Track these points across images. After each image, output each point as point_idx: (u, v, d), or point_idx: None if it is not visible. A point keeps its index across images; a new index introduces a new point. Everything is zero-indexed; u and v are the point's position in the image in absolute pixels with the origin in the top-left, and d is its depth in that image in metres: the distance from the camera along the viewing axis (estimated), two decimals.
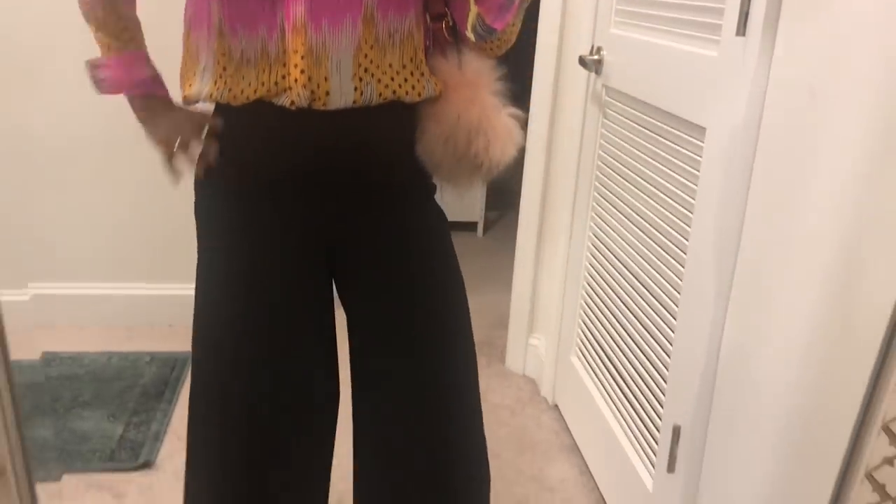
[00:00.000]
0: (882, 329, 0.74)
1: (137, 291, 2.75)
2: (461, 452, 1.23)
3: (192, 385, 1.26)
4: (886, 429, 0.68)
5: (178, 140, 1.19)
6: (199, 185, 1.21)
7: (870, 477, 0.70)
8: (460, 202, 3.69)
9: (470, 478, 1.26)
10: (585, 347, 2.13)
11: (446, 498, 1.24)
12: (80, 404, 2.25)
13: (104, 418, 2.19)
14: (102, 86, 1.19)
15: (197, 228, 1.22)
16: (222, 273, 1.18)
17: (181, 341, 2.61)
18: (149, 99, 1.22)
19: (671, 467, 1.53)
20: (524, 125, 1.15)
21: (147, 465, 2.02)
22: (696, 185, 1.46)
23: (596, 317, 2.03)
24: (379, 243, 1.18)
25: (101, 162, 2.60)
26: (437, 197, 1.27)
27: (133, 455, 2.04)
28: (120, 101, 1.25)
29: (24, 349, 2.49)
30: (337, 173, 1.12)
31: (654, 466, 1.66)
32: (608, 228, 1.94)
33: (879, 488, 0.70)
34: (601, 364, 2.00)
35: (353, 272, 1.21)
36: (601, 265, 1.99)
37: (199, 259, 1.22)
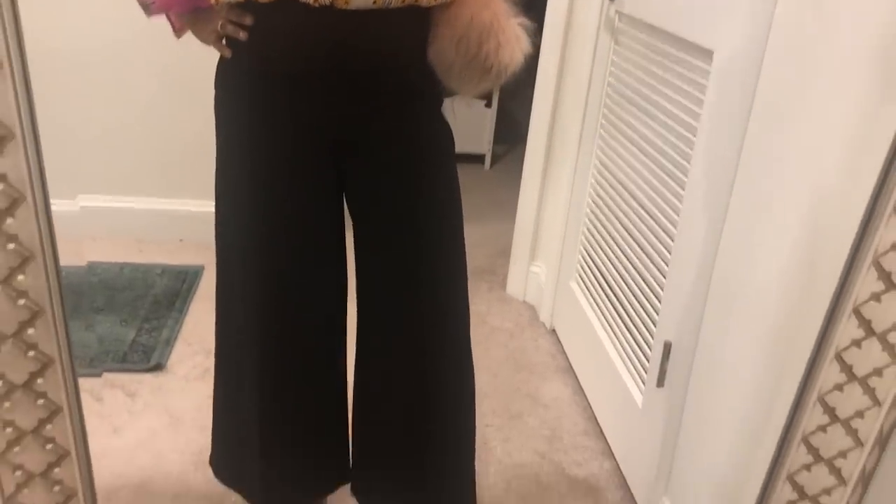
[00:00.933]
0: (851, 237, 0.78)
1: (149, 206, 2.81)
2: (443, 341, 1.34)
3: (217, 269, 1.35)
4: (856, 311, 0.73)
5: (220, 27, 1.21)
6: (220, 81, 1.25)
7: (839, 357, 0.75)
8: (470, 134, 3.71)
9: (455, 368, 1.37)
10: (585, 273, 2.18)
11: (432, 383, 1.35)
12: (94, 310, 2.33)
13: (116, 323, 2.27)
14: (151, 9, 1.23)
15: (216, 124, 1.27)
16: (239, 163, 1.25)
17: (192, 255, 2.68)
18: (195, 12, 1.26)
19: (660, 382, 1.60)
20: (532, 35, 1.18)
21: (158, 367, 2.10)
22: (701, 110, 1.50)
23: (597, 242, 2.08)
24: (386, 145, 1.23)
25: (114, 76, 2.62)
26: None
27: (145, 358, 2.12)
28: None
29: None
30: (352, 73, 1.16)
31: (644, 383, 1.73)
32: (614, 155, 1.98)
33: (847, 369, 0.76)
34: (598, 288, 2.06)
35: (359, 171, 1.26)
36: (605, 192, 2.03)
37: (217, 153, 1.28)
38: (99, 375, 2.05)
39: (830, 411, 0.78)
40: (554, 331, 2.44)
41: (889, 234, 0.70)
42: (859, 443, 0.79)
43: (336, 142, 1.23)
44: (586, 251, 2.17)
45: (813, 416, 0.78)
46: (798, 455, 0.81)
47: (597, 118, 2.10)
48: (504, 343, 2.39)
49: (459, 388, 1.40)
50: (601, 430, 1.99)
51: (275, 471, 1.46)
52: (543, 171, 2.43)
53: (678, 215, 1.58)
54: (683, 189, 1.56)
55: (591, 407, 2.08)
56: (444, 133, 1.29)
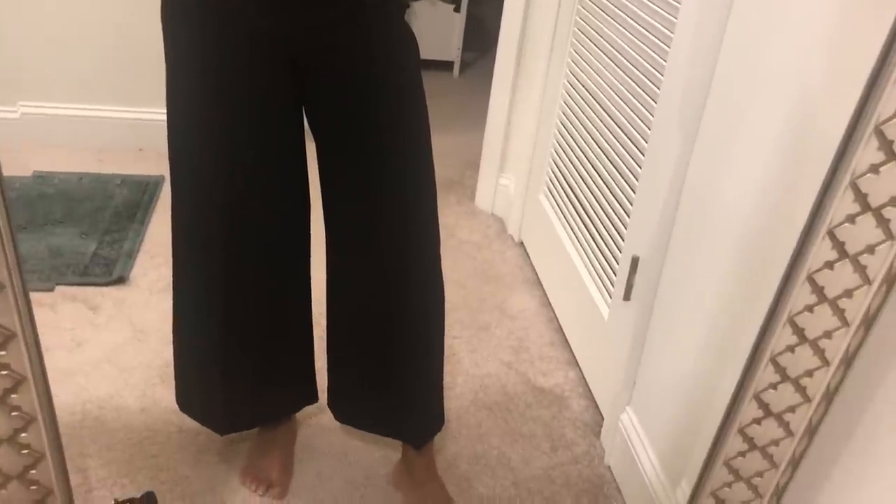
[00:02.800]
0: (830, 157, 0.76)
1: (108, 114, 2.71)
2: (413, 240, 1.32)
3: (172, 188, 1.30)
4: (830, 234, 0.72)
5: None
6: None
7: (810, 279, 0.75)
8: (438, 40, 3.61)
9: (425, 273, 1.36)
10: (554, 186, 2.16)
11: (401, 295, 1.34)
12: (52, 222, 2.27)
13: (76, 236, 2.22)
14: None
15: (164, 32, 1.21)
16: (187, 73, 1.19)
17: (152, 165, 2.61)
18: None
19: (627, 295, 1.61)
20: None
21: (121, 280, 2.06)
22: (676, 18, 1.45)
23: (566, 155, 2.06)
24: (344, 53, 1.18)
25: None
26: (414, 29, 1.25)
27: (107, 271, 2.08)
28: None
29: None
30: None
31: (610, 296, 1.74)
32: (586, 66, 1.93)
33: (818, 290, 0.76)
34: (567, 202, 2.04)
35: (318, 83, 1.21)
36: (575, 103, 1.99)
37: (167, 62, 1.22)
38: (51, 290, 2.00)
39: (799, 332, 0.78)
40: (522, 243, 2.44)
41: (867, 156, 0.68)
42: (826, 362, 0.79)
43: (291, 51, 1.17)
44: (556, 164, 2.15)
45: (782, 336, 0.78)
46: (766, 374, 0.81)
47: (569, 27, 2.04)
48: (472, 255, 2.38)
49: (428, 300, 1.39)
50: (567, 342, 2.01)
51: (238, 392, 1.46)
52: (513, 80, 2.37)
53: (650, 129, 1.56)
54: (656, 102, 1.53)
55: (557, 319, 2.09)
56: (405, 40, 1.23)
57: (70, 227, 2.26)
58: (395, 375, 1.43)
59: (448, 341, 1.96)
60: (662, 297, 1.48)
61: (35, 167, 2.53)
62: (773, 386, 0.81)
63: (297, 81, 1.21)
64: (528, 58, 2.32)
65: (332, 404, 1.53)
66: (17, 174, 2.47)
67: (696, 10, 1.36)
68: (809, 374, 0.79)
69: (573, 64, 2.02)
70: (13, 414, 0.81)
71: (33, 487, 0.87)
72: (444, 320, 1.45)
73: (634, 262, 1.57)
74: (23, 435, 0.83)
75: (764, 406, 0.84)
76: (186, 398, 1.52)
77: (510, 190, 2.52)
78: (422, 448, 1.52)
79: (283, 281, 1.39)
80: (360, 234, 1.31)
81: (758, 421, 0.85)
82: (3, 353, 0.77)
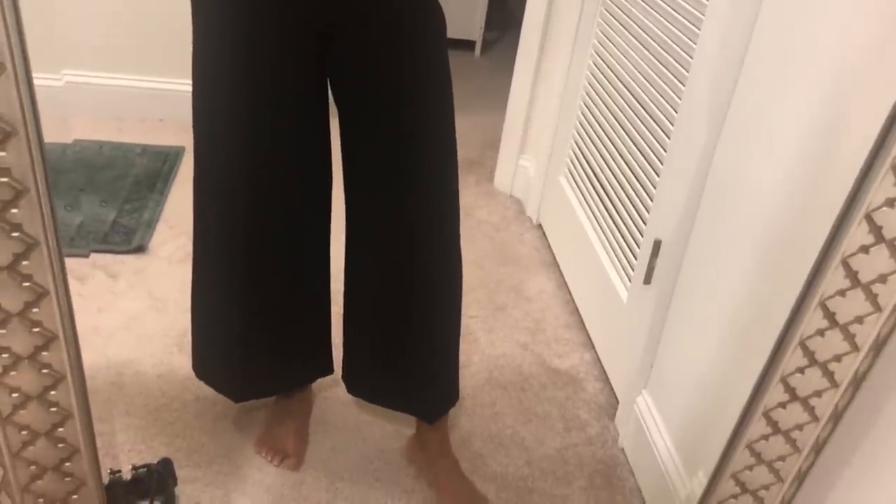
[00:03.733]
0: (868, 142, 0.76)
1: (129, 83, 2.71)
2: (432, 231, 1.33)
3: (195, 159, 1.30)
4: (868, 217, 0.72)
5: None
6: None
7: (844, 263, 0.74)
8: (459, 19, 3.59)
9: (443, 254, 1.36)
10: (575, 168, 2.15)
11: (420, 273, 1.35)
12: (73, 189, 2.28)
13: (96, 203, 2.23)
14: None
15: (192, 6, 1.21)
16: (214, 45, 1.19)
17: (172, 135, 2.62)
18: None
19: (647, 279, 1.60)
20: None
21: (140, 249, 2.07)
22: (707, 1, 1.44)
23: (589, 137, 2.05)
24: (371, 26, 1.17)
25: None
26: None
27: (126, 239, 2.09)
28: None
29: None
30: None
31: (629, 279, 1.74)
32: (612, 46, 1.92)
33: (852, 275, 0.75)
34: (588, 183, 2.04)
35: (344, 55, 1.20)
36: (600, 85, 1.98)
37: (194, 34, 1.22)
38: (87, 256, 2.03)
39: (830, 316, 0.77)
40: (540, 225, 2.43)
41: None
42: (855, 347, 0.79)
43: (320, 23, 1.17)
44: (577, 146, 2.14)
45: (812, 320, 0.78)
46: (793, 358, 0.81)
47: (596, 7, 2.03)
48: (490, 236, 2.38)
49: (448, 275, 1.39)
50: (583, 324, 2.01)
51: (254, 361, 1.47)
52: (537, 60, 2.36)
53: (676, 112, 1.55)
54: (684, 85, 1.52)
55: (574, 301, 2.09)
56: (433, 14, 1.23)
57: (91, 194, 2.26)
58: (411, 350, 1.43)
59: (465, 321, 1.96)
60: (684, 281, 1.48)
61: (55, 136, 2.54)
62: (801, 370, 0.81)
63: (323, 54, 1.20)
64: (552, 38, 2.31)
65: (347, 378, 1.53)
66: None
67: None
68: (838, 358, 0.79)
69: (598, 45, 2.00)
70: (43, 371, 0.82)
71: (60, 445, 0.88)
72: (461, 297, 1.45)
73: (657, 245, 1.56)
74: (52, 393, 0.84)
75: (790, 390, 0.83)
76: (203, 366, 1.52)
77: (530, 171, 2.51)
78: (435, 423, 1.52)
79: (303, 254, 1.40)
80: (382, 208, 1.31)
81: (783, 405, 0.85)
82: (35, 310, 0.78)
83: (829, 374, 0.81)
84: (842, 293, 0.76)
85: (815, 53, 1.08)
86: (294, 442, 1.56)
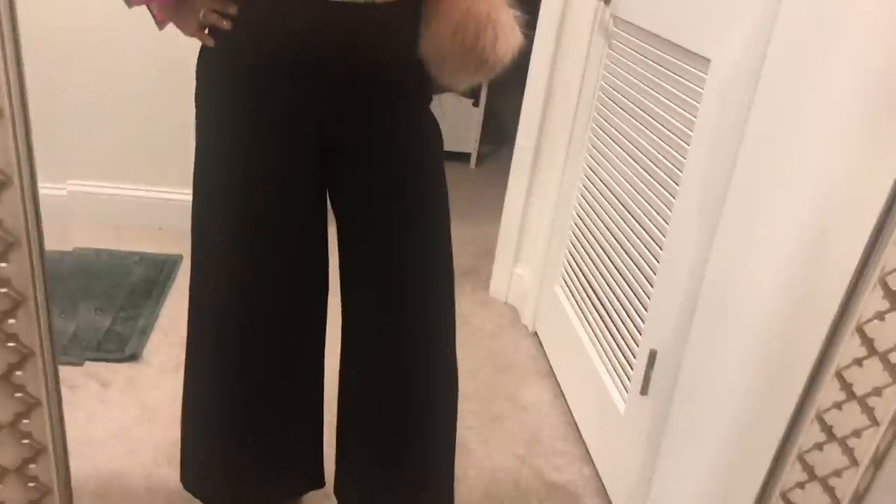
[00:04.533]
0: (858, 252, 0.77)
1: (129, 192, 2.76)
2: (429, 338, 1.34)
3: (192, 266, 1.31)
4: (859, 329, 0.72)
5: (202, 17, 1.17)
6: (202, 73, 1.22)
7: (839, 375, 0.74)
8: (456, 132, 3.69)
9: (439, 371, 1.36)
10: (569, 277, 2.17)
11: (414, 388, 1.35)
12: (69, 296, 2.28)
13: (92, 311, 2.23)
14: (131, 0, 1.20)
15: (196, 116, 1.25)
16: (217, 155, 1.23)
17: (170, 244, 2.64)
18: (178, 2, 1.22)
19: (644, 390, 1.59)
20: (524, 28, 1.17)
21: (133, 357, 2.06)
22: (695, 118, 1.49)
23: (583, 247, 2.07)
24: (371, 143, 1.21)
25: (99, 60, 2.57)
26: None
27: (120, 347, 2.08)
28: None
29: None
30: (340, 68, 1.14)
31: (627, 390, 1.72)
32: (603, 160, 1.97)
33: (846, 387, 0.75)
34: (583, 293, 2.05)
35: (344, 169, 1.24)
36: (593, 196, 2.02)
37: (196, 145, 1.25)
38: (80, 364, 2.01)
39: (828, 429, 0.77)
40: (536, 334, 2.43)
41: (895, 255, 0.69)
42: (854, 462, 0.78)
43: (320, 138, 1.20)
44: (572, 255, 2.16)
45: (810, 434, 0.77)
46: (792, 473, 0.80)
47: (587, 122, 2.09)
48: (485, 344, 2.37)
49: (444, 386, 1.39)
50: (581, 436, 1.98)
51: (244, 474, 1.44)
52: (531, 172, 2.41)
53: (668, 223, 1.57)
54: (674, 197, 1.56)
55: (571, 412, 2.07)
56: (431, 131, 1.27)
57: (86, 302, 2.27)
58: (406, 463, 1.41)
59: (460, 431, 1.92)
60: (681, 391, 1.46)
61: (55, 244, 2.56)
62: (801, 485, 0.80)
63: (323, 165, 1.24)
64: (545, 150, 2.37)
65: (339, 492, 1.50)
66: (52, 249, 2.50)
67: (716, 108, 1.40)
68: (838, 473, 0.78)
69: (590, 158, 2.06)
70: (30, 485, 0.80)
71: None
72: (457, 408, 1.43)
73: (652, 355, 1.56)
74: None
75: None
76: (192, 476, 1.49)
77: (525, 280, 2.52)
78: None
79: (296, 365, 1.39)
80: (378, 319, 1.31)
81: None
82: (26, 421, 0.77)
83: (829, 490, 0.79)
84: (838, 406, 0.76)
85: (802, 167, 1.11)
86: None
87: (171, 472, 1.70)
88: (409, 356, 1.33)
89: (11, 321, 0.74)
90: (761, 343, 1.16)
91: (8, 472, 0.79)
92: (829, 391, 0.75)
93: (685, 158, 1.52)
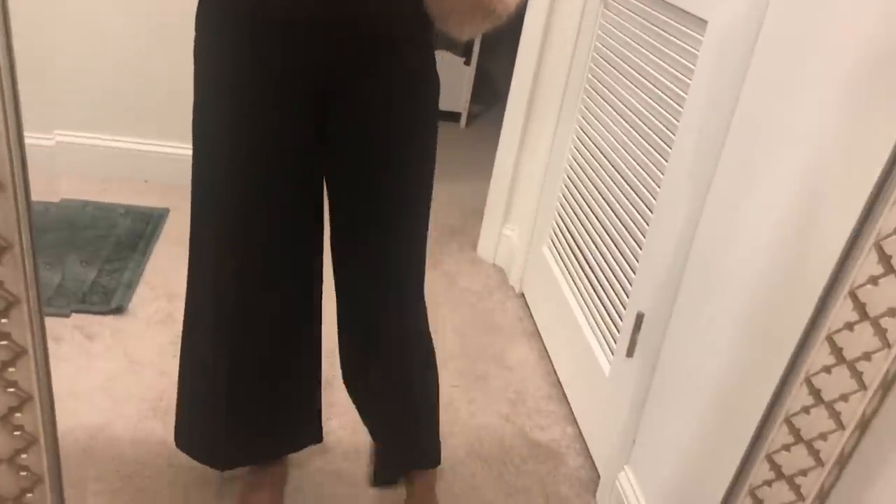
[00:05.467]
0: (848, 228, 0.77)
1: (116, 144, 2.72)
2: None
3: (192, 218, 1.32)
4: (852, 294, 0.72)
5: None
6: (201, 23, 1.20)
7: (829, 339, 0.75)
8: (447, 91, 3.65)
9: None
10: (558, 239, 2.17)
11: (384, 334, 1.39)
12: (53, 248, 2.26)
13: (77, 263, 2.21)
14: None
15: (195, 66, 1.23)
16: (216, 106, 1.21)
17: (157, 197, 2.61)
18: None
19: (630, 352, 1.60)
20: None
21: (119, 310, 2.05)
22: (690, 80, 1.48)
23: (572, 209, 2.07)
24: (368, 95, 1.20)
25: (91, 10, 2.52)
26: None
27: (105, 300, 2.07)
28: None
29: None
30: (341, 19, 1.11)
31: (612, 352, 1.73)
32: (595, 121, 1.96)
33: (836, 351, 0.75)
34: (571, 255, 2.05)
35: (340, 117, 1.22)
36: (584, 158, 2.01)
37: (195, 96, 1.23)
38: (67, 316, 1.99)
39: (816, 393, 0.77)
40: (522, 295, 2.43)
41: (893, 218, 0.69)
42: (841, 426, 0.79)
43: (319, 88, 1.18)
44: (561, 217, 2.16)
45: (798, 397, 0.78)
46: (779, 435, 0.80)
47: (580, 82, 2.07)
48: (472, 304, 2.38)
49: (414, 344, 1.44)
50: (565, 396, 2.00)
51: (242, 428, 1.44)
52: (522, 131, 2.40)
53: (659, 186, 1.57)
54: (666, 160, 1.55)
55: (556, 372, 2.08)
56: (431, 84, 1.26)
57: (71, 254, 2.24)
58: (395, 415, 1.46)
59: (446, 389, 1.94)
60: (667, 354, 1.47)
61: (41, 195, 2.53)
62: (787, 447, 0.81)
63: (320, 117, 1.22)
64: (537, 111, 2.35)
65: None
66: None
67: (712, 70, 1.39)
68: (824, 436, 0.79)
69: (583, 119, 2.04)
70: (15, 433, 0.80)
71: None
72: (435, 363, 1.50)
73: (639, 318, 1.57)
74: (23, 456, 0.81)
75: (776, 468, 0.83)
76: (187, 433, 1.49)
77: (513, 241, 2.52)
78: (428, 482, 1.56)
79: (294, 317, 1.39)
80: (359, 256, 1.33)
81: (769, 483, 0.84)
82: (12, 369, 0.76)
83: (814, 453, 0.80)
84: (827, 370, 0.76)
85: (797, 129, 1.11)
86: None
87: (156, 425, 1.71)
88: (376, 307, 1.36)
89: None
90: (750, 307, 1.16)
91: None
92: (819, 355, 0.75)
93: (678, 121, 1.51)
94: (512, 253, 2.51)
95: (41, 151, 2.64)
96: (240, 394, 1.40)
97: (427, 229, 1.35)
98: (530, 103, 2.35)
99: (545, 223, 2.27)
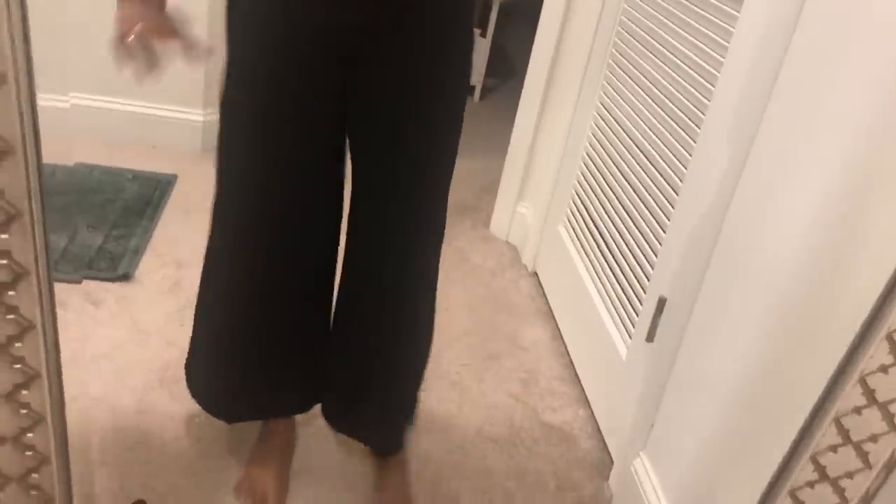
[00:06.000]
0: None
1: (124, 108, 2.67)
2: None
3: (217, 183, 1.29)
4: (889, 338, 0.68)
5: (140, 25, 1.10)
6: None
7: (889, 338, 0.70)
8: None
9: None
10: (575, 218, 2.12)
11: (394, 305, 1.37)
12: (59, 212, 2.21)
13: (83, 227, 2.16)
14: None
15: (227, 29, 1.21)
16: (249, 69, 1.19)
17: (164, 163, 2.56)
18: None
19: (650, 337, 1.56)
20: None
21: (126, 277, 2.01)
22: (724, 58, 1.42)
23: (591, 187, 2.02)
24: (399, 58, 1.17)
25: None
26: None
27: (112, 266, 2.03)
28: None
29: None
30: None
31: (630, 336, 1.69)
32: (618, 98, 1.90)
33: (894, 347, 0.71)
34: (589, 234, 2.00)
35: (370, 75, 1.19)
36: (604, 135, 1.95)
37: (227, 59, 1.21)
38: (79, 282, 1.96)
39: (870, 393, 0.73)
40: (536, 274, 2.39)
41: None
42: (893, 427, 0.74)
43: (352, 42, 1.15)
44: (578, 196, 2.11)
45: (850, 397, 0.73)
46: (827, 435, 0.76)
47: (604, 57, 2.01)
48: (484, 282, 2.33)
49: (422, 313, 1.43)
50: (578, 378, 1.96)
51: (254, 379, 1.43)
52: (541, 106, 2.34)
53: (685, 166, 1.52)
54: (695, 140, 1.50)
55: (569, 353, 2.04)
56: (465, 45, 1.23)
57: (78, 218, 2.20)
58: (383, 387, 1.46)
59: (455, 368, 1.91)
60: (690, 341, 1.43)
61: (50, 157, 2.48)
62: (833, 448, 0.77)
63: (347, 78, 1.19)
64: (557, 84, 2.29)
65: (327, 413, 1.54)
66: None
67: (748, 48, 1.33)
68: (874, 438, 0.75)
69: (605, 95, 1.98)
70: (22, 412, 0.76)
71: (33, 493, 0.81)
72: (432, 333, 1.48)
73: (661, 302, 1.52)
74: (29, 435, 0.77)
75: (821, 468, 0.79)
76: (199, 383, 1.49)
77: (527, 218, 2.47)
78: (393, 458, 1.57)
79: (312, 276, 1.38)
80: (377, 218, 1.30)
81: (811, 484, 0.80)
82: (18, 344, 0.72)
83: (863, 455, 0.76)
84: (884, 369, 0.72)
85: (841, 114, 1.05)
86: (274, 486, 1.49)
87: (162, 395, 1.67)
88: (392, 275, 1.34)
89: (4, 236, 0.68)
90: (786, 297, 1.11)
91: None
92: (877, 354, 0.71)
93: (709, 100, 1.45)
94: (526, 231, 2.46)
95: (57, 113, 2.60)
96: (253, 339, 1.39)
97: (447, 194, 1.32)
98: (550, 78, 2.29)
99: (561, 201, 2.22)
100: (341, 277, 1.39)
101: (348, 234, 1.35)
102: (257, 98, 1.19)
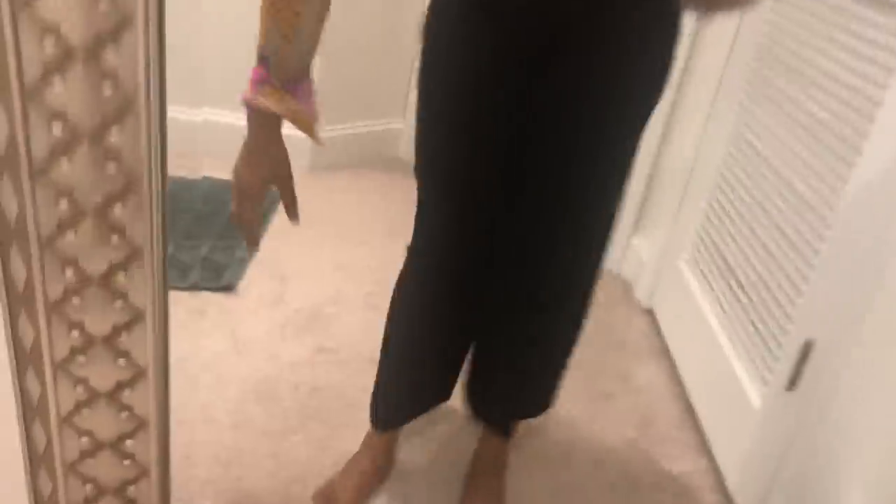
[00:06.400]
0: None
1: (227, 119, 2.66)
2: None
3: (419, 191, 1.30)
4: None
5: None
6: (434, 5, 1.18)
7: None
8: None
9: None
10: (700, 252, 1.97)
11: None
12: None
13: (189, 237, 2.14)
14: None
15: (423, 43, 1.20)
16: (443, 80, 1.19)
17: None
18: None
19: (793, 384, 1.39)
20: None
21: (229, 287, 1.97)
22: (889, 81, 1.27)
23: (720, 220, 1.86)
24: (600, 34, 1.12)
25: None
26: None
27: (215, 276, 1.99)
28: None
29: None
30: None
31: (765, 383, 1.53)
32: (756, 123, 1.75)
33: None
34: (717, 271, 1.84)
35: (561, 64, 1.13)
36: (739, 164, 1.81)
37: (420, 76, 1.22)
38: (198, 289, 1.95)
39: None
40: (651, 311, 2.24)
41: None
42: None
43: (548, 32, 1.11)
44: (705, 229, 1.96)
45: None
46: None
47: (740, 77, 1.87)
48: (595, 316, 2.19)
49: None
50: (698, 424, 1.80)
51: (418, 386, 1.46)
52: (663, 131, 2.20)
53: (839, 199, 1.36)
54: (851, 170, 1.34)
55: (687, 398, 1.88)
56: (671, 34, 1.15)
57: (184, 228, 2.18)
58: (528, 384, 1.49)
59: (566, 405, 1.78)
60: (844, 391, 1.27)
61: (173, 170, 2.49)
62: None
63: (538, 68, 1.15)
64: (683, 106, 2.15)
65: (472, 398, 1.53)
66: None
67: None
68: None
69: (741, 120, 1.84)
70: (122, 414, 0.68)
71: None
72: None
73: (807, 346, 1.36)
74: (128, 442, 0.70)
75: None
76: (385, 414, 1.48)
77: (641, 253, 2.33)
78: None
79: (486, 273, 1.37)
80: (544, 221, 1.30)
81: None
82: (124, 335, 0.64)
83: None
84: None
85: None
86: (350, 498, 1.43)
87: (257, 411, 1.61)
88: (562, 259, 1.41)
89: (118, 212, 0.61)
90: None
91: (98, 397, 0.67)
92: None
93: (871, 126, 1.30)
94: (640, 265, 2.31)
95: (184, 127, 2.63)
96: (439, 349, 1.42)
97: (622, 200, 1.32)
98: (676, 98, 2.15)
99: (683, 235, 2.07)
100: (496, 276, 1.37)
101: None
102: (454, 109, 1.20)
